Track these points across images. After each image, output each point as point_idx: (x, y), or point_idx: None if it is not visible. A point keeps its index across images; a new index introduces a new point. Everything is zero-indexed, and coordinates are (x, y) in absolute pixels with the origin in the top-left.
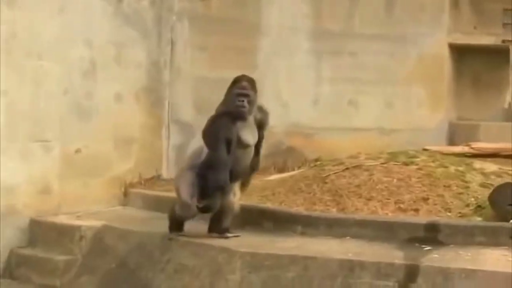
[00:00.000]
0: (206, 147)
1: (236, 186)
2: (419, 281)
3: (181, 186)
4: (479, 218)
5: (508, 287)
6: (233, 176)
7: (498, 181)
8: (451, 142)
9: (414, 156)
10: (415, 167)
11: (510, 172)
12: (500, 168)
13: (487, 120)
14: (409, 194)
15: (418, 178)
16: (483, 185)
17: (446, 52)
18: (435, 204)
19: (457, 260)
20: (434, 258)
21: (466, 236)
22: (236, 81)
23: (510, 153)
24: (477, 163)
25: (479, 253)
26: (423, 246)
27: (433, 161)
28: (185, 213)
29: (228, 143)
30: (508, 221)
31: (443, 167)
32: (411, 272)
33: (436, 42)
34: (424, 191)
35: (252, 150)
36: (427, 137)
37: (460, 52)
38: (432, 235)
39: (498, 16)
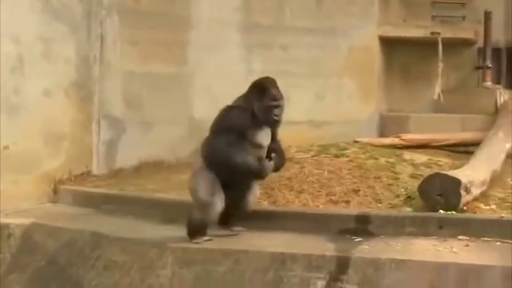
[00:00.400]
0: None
1: (256, 185)
2: (350, 273)
3: (199, 185)
4: (409, 209)
5: (437, 276)
6: (238, 183)
7: (427, 172)
8: (382, 133)
9: (345, 148)
10: (346, 159)
11: (440, 162)
12: (429, 159)
13: (417, 111)
14: (340, 186)
15: (349, 170)
16: (413, 176)
17: (376, 44)
18: (366, 196)
19: (388, 251)
20: (365, 249)
21: (396, 227)
22: (265, 89)
23: (440, 144)
24: (407, 154)
25: (409, 243)
26: (354, 237)
27: (363, 153)
28: (207, 215)
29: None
30: (437, 211)
31: (373, 158)
32: (342, 264)
33: (366, 34)
34: (355, 182)
35: (265, 152)
36: (358, 129)
37: (390, 45)
38: (363, 226)
39: (427, 9)
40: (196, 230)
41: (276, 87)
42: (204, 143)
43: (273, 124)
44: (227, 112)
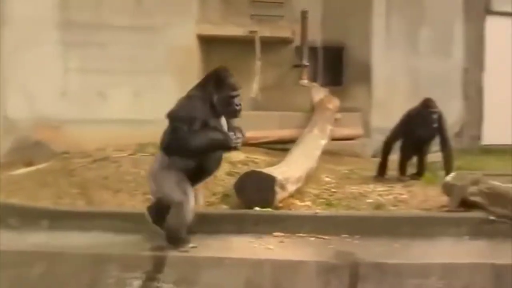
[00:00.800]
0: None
1: (201, 191)
2: (166, 271)
3: (166, 187)
4: (226, 207)
5: (254, 272)
6: (205, 172)
7: (244, 169)
8: None
9: None
10: None
11: (257, 160)
12: (247, 157)
13: None
14: None
15: None
16: (229, 174)
17: (194, 42)
18: None
19: (205, 249)
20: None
21: (214, 225)
22: (223, 80)
23: (258, 141)
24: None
25: (226, 241)
26: None
27: None
28: (183, 217)
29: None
30: (252, 208)
31: None
32: (158, 263)
33: (185, 32)
34: None
35: None
36: None
37: (208, 43)
38: None
39: (246, 8)
40: (177, 237)
41: (233, 76)
42: (165, 134)
43: (235, 115)
44: (187, 102)
